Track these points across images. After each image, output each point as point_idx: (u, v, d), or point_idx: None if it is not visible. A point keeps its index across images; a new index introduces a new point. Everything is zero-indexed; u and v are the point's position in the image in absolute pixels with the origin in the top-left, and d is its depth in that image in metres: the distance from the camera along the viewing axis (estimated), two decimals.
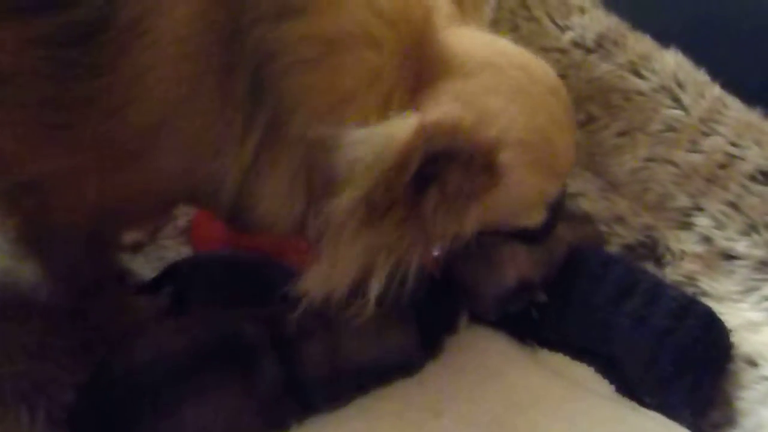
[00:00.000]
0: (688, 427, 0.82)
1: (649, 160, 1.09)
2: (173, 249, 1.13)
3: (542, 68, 0.79)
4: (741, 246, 1.01)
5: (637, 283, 0.93)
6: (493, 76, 0.74)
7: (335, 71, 0.69)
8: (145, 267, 1.08)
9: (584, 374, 0.86)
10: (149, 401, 0.70)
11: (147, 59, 0.67)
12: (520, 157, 0.73)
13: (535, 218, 0.79)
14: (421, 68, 0.72)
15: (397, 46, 0.70)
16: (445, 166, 0.67)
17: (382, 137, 0.63)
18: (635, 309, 0.89)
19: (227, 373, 0.72)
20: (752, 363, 0.93)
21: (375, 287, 0.68)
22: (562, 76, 1.10)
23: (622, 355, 0.86)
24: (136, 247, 1.11)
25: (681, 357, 0.87)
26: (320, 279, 0.68)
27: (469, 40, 0.77)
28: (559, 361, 0.87)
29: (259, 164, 0.71)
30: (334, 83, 0.69)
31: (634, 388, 0.85)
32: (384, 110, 0.69)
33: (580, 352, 0.87)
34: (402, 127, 0.63)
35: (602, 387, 0.85)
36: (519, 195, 0.76)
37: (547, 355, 0.88)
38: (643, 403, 0.84)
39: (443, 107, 0.70)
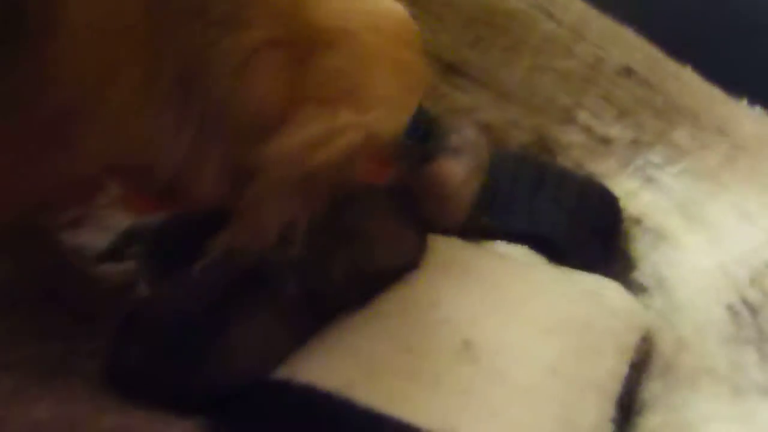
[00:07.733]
0: (603, 274, 1.04)
1: (533, 69, 1.27)
2: (113, 216, 1.14)
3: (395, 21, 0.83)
4: (614, 131, 1.23)
5: (545, 174, 1.14)
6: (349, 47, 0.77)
7: None
8: (92, 239, 1.09)
9: (522, 252, 1.04)
10: (195, 327, 0.77)
11: (62, 44, 0.65)
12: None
13: None
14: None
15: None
16: None
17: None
18: (549, 195, 1.10)
19: (258, 298, 0.80)
20: (637, 221, 1.17)
21: (300, 231, 0.76)
22: (447, 5, 1.26)
23: (548, 233, 1.06)
24: (75, 223, 1.11)
25: (591, 225, 1.09)
26: (244, 234, 0.75)
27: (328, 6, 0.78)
28: (500, 246, 1.05)
29: (193, 157, 0.75)
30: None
31: (562, 256, 1.05)
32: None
33: (515, 238, 1.05)
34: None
35: (538, 259, 1.04)
36: None
37: (488, 244, 1.05)
38: (570, 265, 1.04)
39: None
